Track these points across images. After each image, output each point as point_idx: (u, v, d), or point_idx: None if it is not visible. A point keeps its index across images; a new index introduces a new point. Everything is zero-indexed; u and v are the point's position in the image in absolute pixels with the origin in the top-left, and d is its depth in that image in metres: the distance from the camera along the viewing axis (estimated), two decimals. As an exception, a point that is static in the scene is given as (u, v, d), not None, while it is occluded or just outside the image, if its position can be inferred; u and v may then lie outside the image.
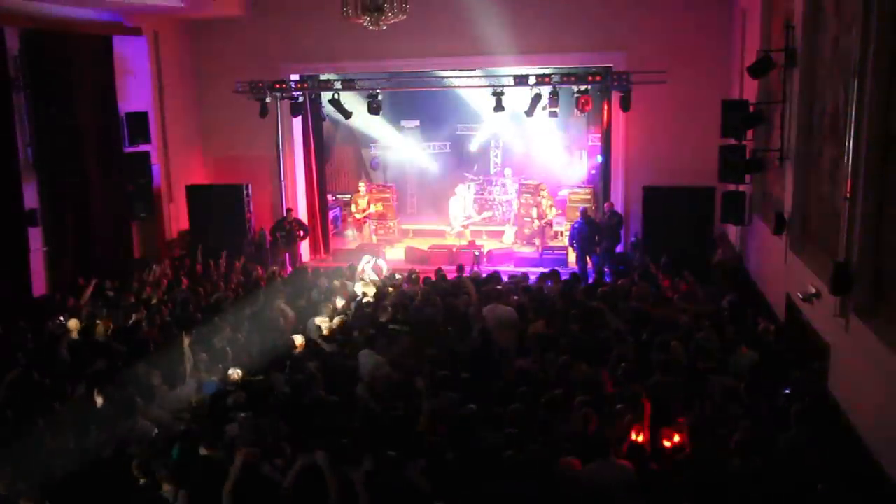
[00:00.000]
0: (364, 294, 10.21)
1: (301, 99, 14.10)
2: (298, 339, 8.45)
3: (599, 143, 15.31)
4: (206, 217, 14.03)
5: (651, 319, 8.31)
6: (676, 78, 12.28)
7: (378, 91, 13.38)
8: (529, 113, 13.52)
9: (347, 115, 14.19)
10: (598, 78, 12.78)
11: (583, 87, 12.73)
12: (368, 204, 16.11)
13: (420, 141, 18.37)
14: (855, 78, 5.76)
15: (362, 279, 11.11)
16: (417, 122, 18.23)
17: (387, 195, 16.82)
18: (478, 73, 14.69)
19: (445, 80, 15.02)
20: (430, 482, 5.20)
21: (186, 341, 7.59)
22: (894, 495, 4.98)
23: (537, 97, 13.24)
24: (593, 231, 12.84)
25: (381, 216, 16.50)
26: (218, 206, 14.07)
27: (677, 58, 12.73)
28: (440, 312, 9.02)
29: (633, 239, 13.32)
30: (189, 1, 12.79)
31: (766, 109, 9.74)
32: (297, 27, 14.23)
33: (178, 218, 14.59)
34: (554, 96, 12.90)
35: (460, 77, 14.86)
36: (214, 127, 15.17)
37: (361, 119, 15.53)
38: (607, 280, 10.91)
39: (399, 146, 18.42)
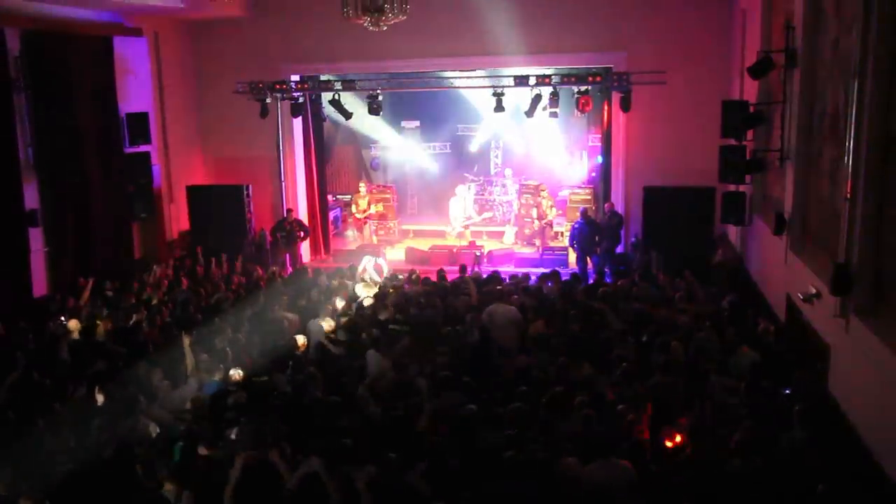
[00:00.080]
0: (365, 295, 10.21)
1: (301, 99, 14.10)
2: (301, 339, 8.46)
3: (600, 144, 15.32)
4: (207, 217, 14.03)
5: (652, 320, 8.32)
6: (677, 78, 12.29)
7: (378, 91, 13.38)
8: (530, 113, 13.53)
9: (348, 115, 14.20)
10: (598, 78, 12.78)
11: (583, 88, 12.73)
12: (369, 204, 16.12)
13: (420, 141, 18.39)
14: (855, 79, 5.77)
15: (363, 279, 11.11)
16: (418, 123, 18.25)
17: (387, 196, 16.82)
18: (478, 73, 14.69)
19: (446, 80, 15.02)
20: (431, 482, 5.20)
21: (187, 342, 7.59)
22: (894, 496, 4.99)
23: (537, 98, 13.24)
24: (594, 231, 12.84)
25: (381, 217, 16.50)
26: (218, 206, 14.07)
27: (677, 58, 12.73)
28: (440, 313, 9.03)
29: (633, 239, 13.32)
30: (189, 1, 12.79)
31: (766, 110, 9.74)
32: (298, 28, 14.23)
33: (178, 218, 14.59)
34: (554, 97, 12.91)
35: (460, 78, 14.86)
36: (215, 127, 15.17)
37: (362, 120, 15.54)
38: (608, 280, 10.91)
39: (399, 147, 18.44)
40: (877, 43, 5.51)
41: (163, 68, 14.11)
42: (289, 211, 14.31)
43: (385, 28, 9.93)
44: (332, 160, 18.02)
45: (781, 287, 8.51)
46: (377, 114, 13.80)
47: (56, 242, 11.70)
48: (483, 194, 17.51)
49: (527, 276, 10.94)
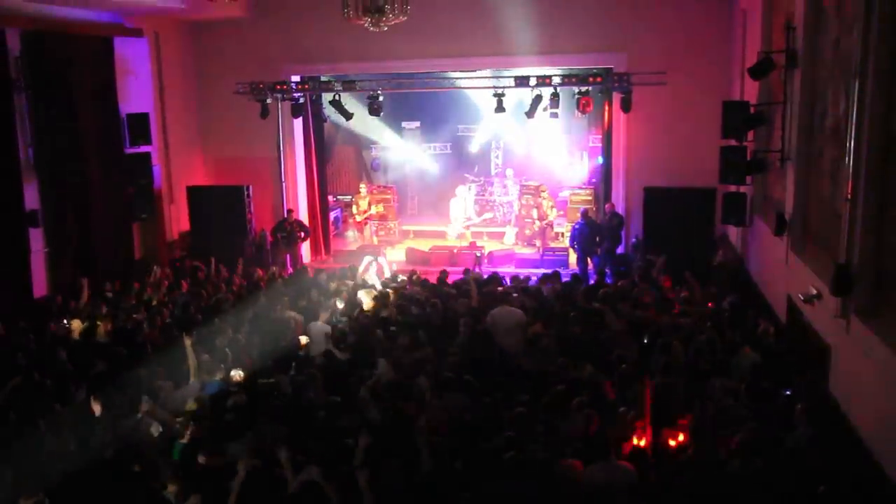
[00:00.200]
0: (365, 297, 10.19)
1: (302, 100, 14.11)
2: (303, 339, 8.46)
3: (600, 145, 15.31)
4: (207, 218, 14.03)
5: (652, 322, 8.31)
6: (677, 79, 12.29)
7: (379, 92, 13.37)
8: (530, 114, 13.52)
9: (348, 116, 14.19)
10: (598, 79, 12.78)
11: (583, 89, 12.74)
12: (369, 205, 16.13)
13: (421, 142, 18.39)
14: (856, 79, 5.76)
15: (364, 279, 11.09)
16: (418, 124, 18.26)
17: (388, 196, 16.83)
18: (478, 74, 14.69)
19: (446, 81, 15.02)
20: (432, 483, 5.20)
21: (189, 342, 7.59)
22: (895, 496, 4.98)
23: (538, 98, 13.24)
24: (594, 232, 12.84)
25: (381, 217, 16.51)
26: (219, 207, 14.06)
27: (678, 59, 12.73)
28: (440, 315, 9.02)
29: (633, 240, 13.32)
30: (190, 2, 12.80)
31: (766, 110, 9.73)
32: (298, 28, 14.23)
33: (178, 219, 14.59)
34: (554, 97, 12.90)
35: (461, 78, 14.86)
36: (215, 128, 15.17)
37: (362, 120, 15.54)
38: (608, 281, 10.90)
39: (400, 147, 18.44)
40: (878, 43, 5.50)
41: (163, 69, 14.11)
42: (289, 211, 14.31)
43: (385, 29, 9.94)
44: (333, 161, 18.03)
45: (782, 288, 8.51)
46: (377, 114, 13.80)
47: (56, 243, 11.70)
48: (483, 195, 17.51)
49: (527, 278, 10.94)
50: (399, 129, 18.21)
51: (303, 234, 14.18)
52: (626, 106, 12.49)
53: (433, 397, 6.73)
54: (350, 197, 17.20)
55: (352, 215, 16.55)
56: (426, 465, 5.37)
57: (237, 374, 7.47)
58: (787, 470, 5.19)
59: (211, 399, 6.84)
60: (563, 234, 15.57)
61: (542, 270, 11.68)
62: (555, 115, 13.22)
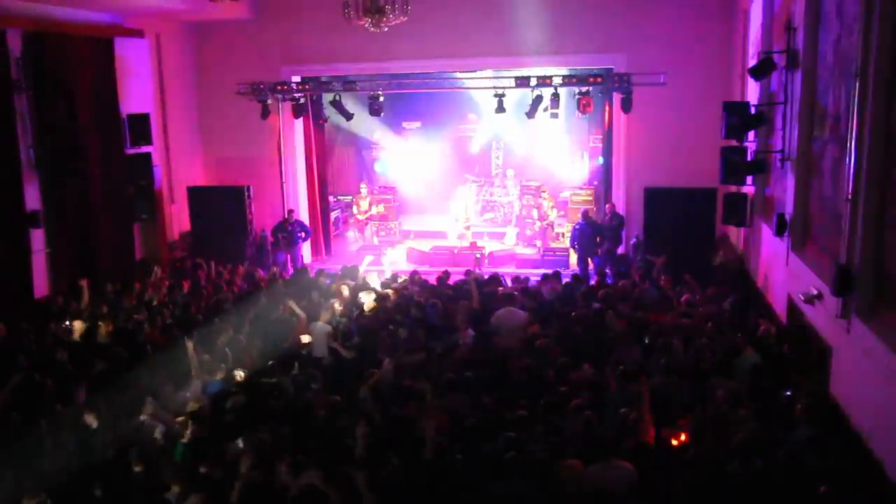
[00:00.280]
0: (366, 297, 10.19)
1: (302, 100, 14.11)
2: (305, 339, 8.46)
3: (601, 145, 15.32)
4: (208, 218, 14.04)
5: (653, 322, 8.31)
6: (677, 79, 12.30)
7: (379, 92, 13.38)
8: (531, 114, 13.52)
9: (349, 116, 14.20)
10: (599, 79, 12.78)
11: (584, 89, 12.74)
12: (370, 205, 16.14)
13: (421, 142, 18.39)
14: (856, 79, 5.77)
15: (365, 280, 11.09)
16: (418, 124, 18.26)
17: (388, 196, 16.84)
18: (479, 74, 14.69)
19: (447, 81, 15.03)
20: (433, 483, 5.20)
21: (190, 343, 7.59)
22: (895, 496, 4.98)
23: (538, 99, 13.24)
24: (595, 232, 12.84)
25: (382, 217, 16.52)
26: (219, 207, 14.07)
27: (678, 59, 12.73)
28: (441, 315, 9.02)
29: (634, 240, 13.32)
30: (191, 3, 12.80)
31: (767, 111, 9.74)
32: (299, 29, 14.23)
33: (179, 219, 14.59)
34: (555, 98, 12.91)
35: (461, 79, 14.86)
36: (216, 128, 15.17)
37: (363, 120, 15.54)
38: (609, 282, 10.91)
39: (400, 147, 18.43)
40: (878, 43, 5.51)
41: (164, 69, 14.11)
42: (290, 212, 14.31)
43: (386, 29, 9.94)
44: (333, 161, 18.02)
45: (783, 288, 8.51)
46: (378, 115, 13.80)
47: (57, 243, 11.70)
48: (484, 195, 17.51)
49: (527, 279, 10.93)
50: (400, 130, 18.21)
51: (303, 234, 14.18)
52: (626, 106, 12.50)
53: (434, 398, 6.72)
54: (350, 197, 17.21)
55: (352, 215, 16.56)
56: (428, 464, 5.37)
57: (239, 374, 7.47)
58: (787, 470, 5.19)
59: (212, 399, 6.84)
60: (563, 234, 15.58)
61: (543, 271, 11.68)
62: (555, 116, 13.22)
